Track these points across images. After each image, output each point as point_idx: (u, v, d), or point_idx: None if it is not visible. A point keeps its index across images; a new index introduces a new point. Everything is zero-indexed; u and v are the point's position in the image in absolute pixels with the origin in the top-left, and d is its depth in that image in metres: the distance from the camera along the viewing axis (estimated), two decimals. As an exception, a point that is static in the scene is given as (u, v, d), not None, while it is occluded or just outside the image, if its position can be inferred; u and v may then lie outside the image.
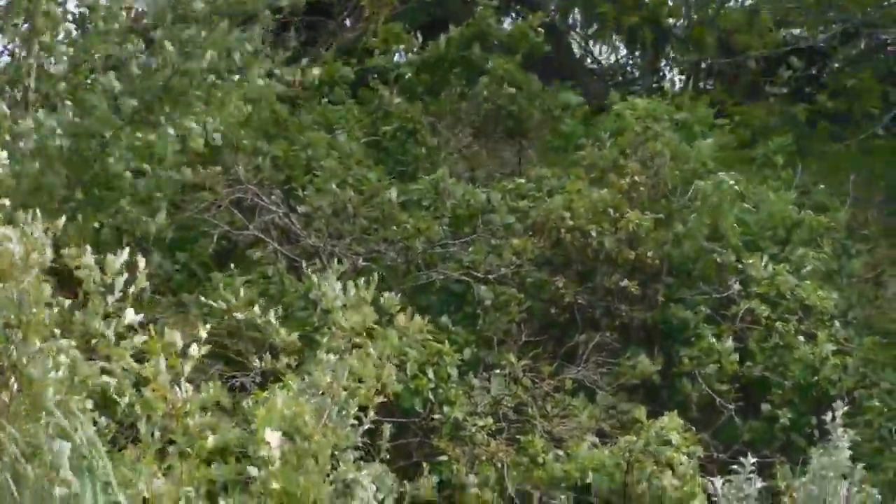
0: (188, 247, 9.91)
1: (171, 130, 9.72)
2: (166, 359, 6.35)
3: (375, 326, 7.79)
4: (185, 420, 6.27)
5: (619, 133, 10.75)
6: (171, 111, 9.49)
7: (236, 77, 9.47)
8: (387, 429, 7.67)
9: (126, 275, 6.48)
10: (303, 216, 10.00)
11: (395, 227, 10.02)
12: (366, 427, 7.51)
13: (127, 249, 6.56)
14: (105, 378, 6.14)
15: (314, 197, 10.12)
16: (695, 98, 13.35)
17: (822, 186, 11.47)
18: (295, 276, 9.49)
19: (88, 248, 6.51)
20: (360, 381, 7.61)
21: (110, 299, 6.44)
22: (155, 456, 6.18)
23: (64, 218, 7.02)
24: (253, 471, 6.31)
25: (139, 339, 6.19)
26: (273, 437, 6.28)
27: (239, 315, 8.49)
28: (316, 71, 10.06)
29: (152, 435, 6.08)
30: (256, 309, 8.11)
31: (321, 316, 8.28)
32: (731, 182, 10.22)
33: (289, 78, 9.74)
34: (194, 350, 6.16)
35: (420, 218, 10.15)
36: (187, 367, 6.08)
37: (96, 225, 9.39)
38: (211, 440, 6.06)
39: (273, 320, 8.03)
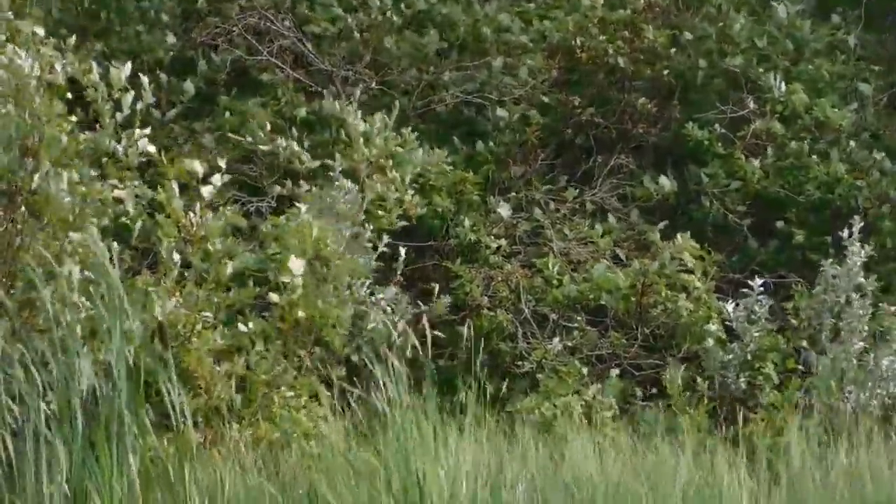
0: (199, 72, 9.77)
1: None
2: (184, 185, 6.36)
3: (399, 149, 7.76)
4: (203, 245, 6.29)
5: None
6: None
7: None
8: (402, 252, 7.71)
9: (132, 93, 6.49)
10: (313, 38, 9.86)
11: (405, 49, 9.89)
12: (381, 250, 7.57)
13: (129, 64, 6.55)
14: (119, 196, 6.13)
15: (318, 19, 9.96)
16: None
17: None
18: (308, 102, 9.41)
19: (94, 64, 6.48)
20: (383, 206, 7.63)
21: (119, 116, 6.46)
22: (174, 281, 6.21)
23: (74, 37, 7.01)
24: (274, 297, 6.33)
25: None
26: (296, 263, 6.29)
27: (264, 147, 8.42)
28: None
29: (173, 261, 6.09)
30: (282, 140, 8.04)
31: (341, 141, 8.27)
32: None
33: None
34: (216, 179, 6.16)
35: (431, 38, 9.99)
36: (205, 193, 6.07)
37: (105, 50, 9.35)
38: (230, 267, 6.06)
39: (295, 146, 8.00)
